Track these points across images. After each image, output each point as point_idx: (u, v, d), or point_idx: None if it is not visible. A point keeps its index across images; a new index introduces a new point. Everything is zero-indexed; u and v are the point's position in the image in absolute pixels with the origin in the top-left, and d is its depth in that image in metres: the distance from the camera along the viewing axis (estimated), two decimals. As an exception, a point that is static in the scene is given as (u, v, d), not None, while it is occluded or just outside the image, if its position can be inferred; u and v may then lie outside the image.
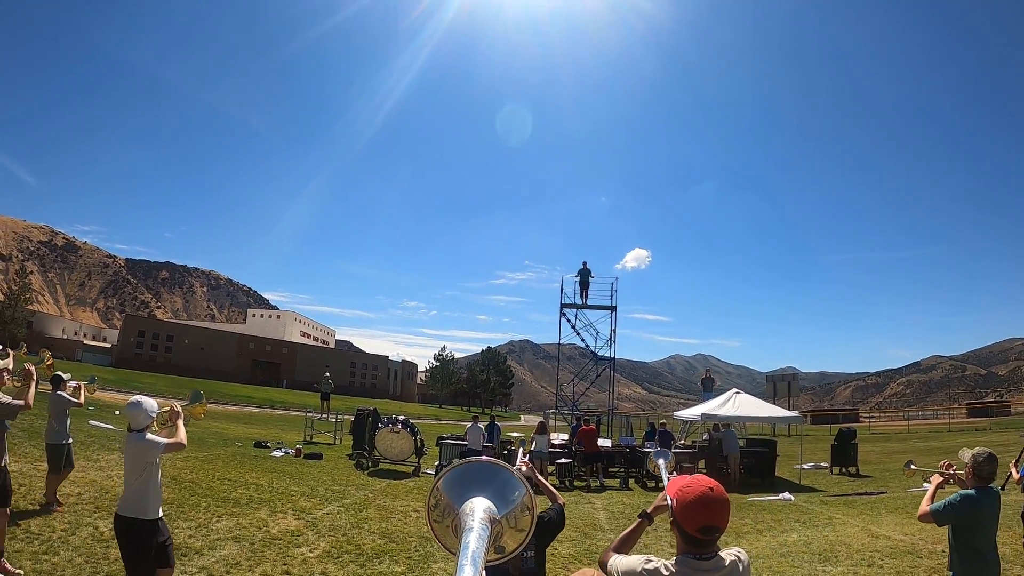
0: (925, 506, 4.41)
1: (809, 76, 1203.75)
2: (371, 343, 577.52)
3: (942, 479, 4.65)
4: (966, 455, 4.43)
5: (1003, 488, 6.78)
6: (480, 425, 17.70)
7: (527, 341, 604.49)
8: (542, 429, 16.89)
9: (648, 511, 2.69)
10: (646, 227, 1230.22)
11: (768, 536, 10.56)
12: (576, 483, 16.76)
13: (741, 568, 2.33)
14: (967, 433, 32.64)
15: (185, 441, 5.14)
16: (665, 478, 3.16)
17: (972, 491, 4.24)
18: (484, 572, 0.72)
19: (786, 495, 14.88)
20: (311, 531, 8.94)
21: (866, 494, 15.09)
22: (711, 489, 2.17)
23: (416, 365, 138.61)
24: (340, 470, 15.65)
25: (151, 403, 5.03)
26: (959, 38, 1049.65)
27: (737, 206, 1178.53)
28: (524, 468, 3.75)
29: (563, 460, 16.91)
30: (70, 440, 8.97)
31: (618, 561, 2.40)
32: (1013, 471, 5.74)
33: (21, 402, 6.43)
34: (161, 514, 4.97)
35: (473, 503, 0.93)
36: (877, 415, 68.30)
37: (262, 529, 8.70)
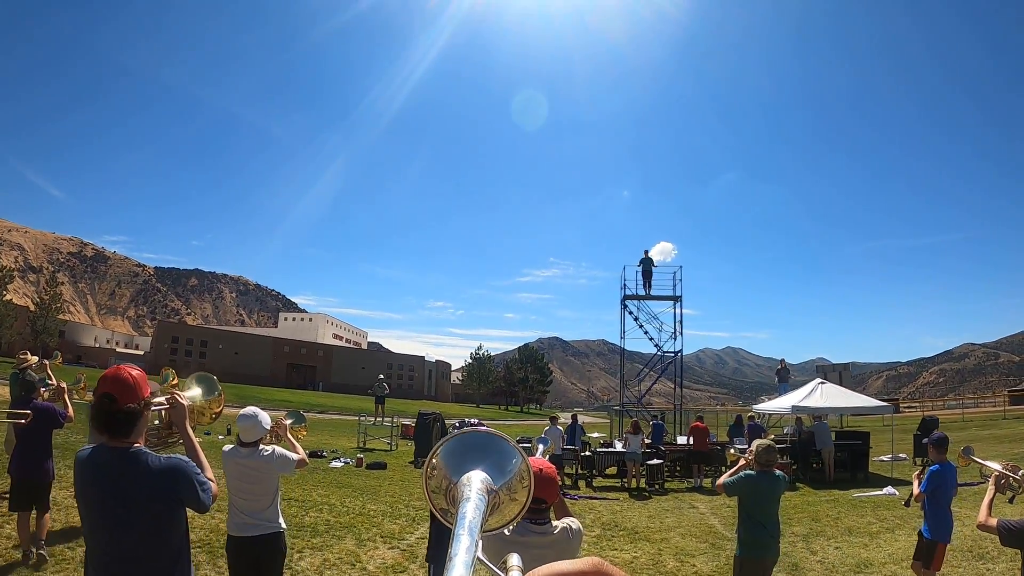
0: (720, 481, 5.50)
1: (828, 64, 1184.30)
2: (400, 344, 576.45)
3: (744, 463, 5.48)
4: (754, 445, 5.45)
5: (907, 504, 7.33)
6: (559, 427, 16.49)
7: (556, 338, 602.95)
8: (636, 429, 15.71)
9: None
10: (670, 220, 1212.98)
11: (902, 535, 9.77)
12: (667, 485, 15.51)
13: (570, 535, 2.97)
14: (1024, 421, 30.87)
15: (307, 459, 4.84)
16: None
17: (753, 472, 5.29)
18: (480, 542, 0.72)
19: (890, 489, 13.99)
20: (411, 563, 7.48)
21: (967, 484, 13.88)
22: (541, 470, 2.83)
23: (450, 365, 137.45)
24: (411, 481, 14.30)
25: (265, 416, 4.55)
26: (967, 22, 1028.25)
27: (761, 197, 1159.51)
28: None
29: (655, 461, 15.56)
30: None
31: None
32: (915, 486, 6.39)
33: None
34: None
35: (470, 475, 0.89)
36: (916, 405, 66.88)
37: (356, 565, 7.29)
